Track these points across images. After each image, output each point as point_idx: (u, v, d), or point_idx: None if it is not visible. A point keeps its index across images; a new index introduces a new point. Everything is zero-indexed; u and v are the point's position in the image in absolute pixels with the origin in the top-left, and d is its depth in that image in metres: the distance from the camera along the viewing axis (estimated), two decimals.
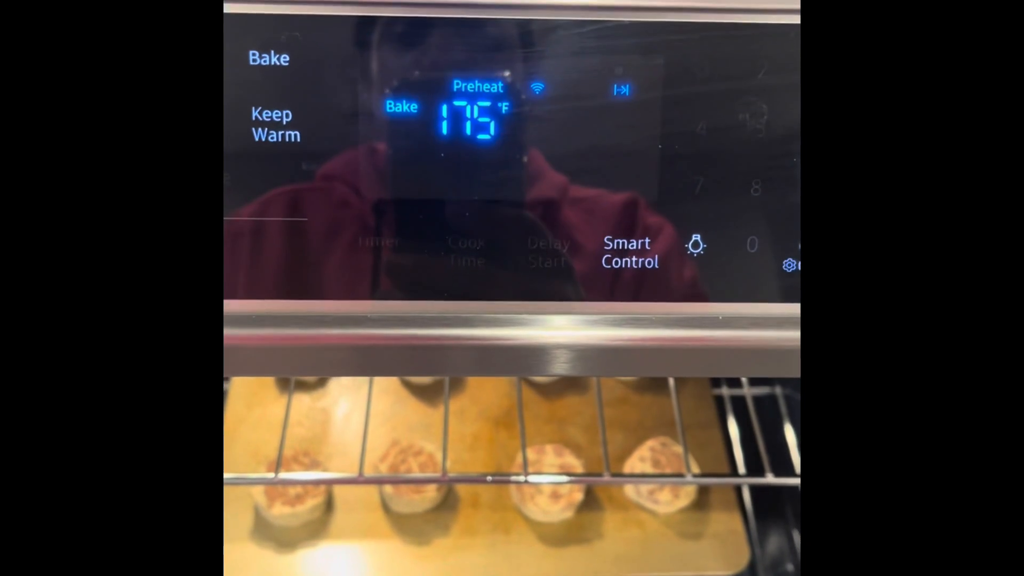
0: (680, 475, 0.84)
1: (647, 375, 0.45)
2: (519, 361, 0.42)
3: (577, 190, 0.40)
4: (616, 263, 0.40)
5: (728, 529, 0.93)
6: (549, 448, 0.95)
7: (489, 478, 0.84)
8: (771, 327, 0.41)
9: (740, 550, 0.92)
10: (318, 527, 0.92)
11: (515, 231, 0.40)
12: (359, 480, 0.81)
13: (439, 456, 0.94)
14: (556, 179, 0.39)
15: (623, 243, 0.40)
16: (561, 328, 0.41)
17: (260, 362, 0.41)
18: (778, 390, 1.02)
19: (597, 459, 0.96)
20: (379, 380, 1.03)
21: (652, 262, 0.40)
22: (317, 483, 0.90)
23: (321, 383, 1.03)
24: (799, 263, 0.40)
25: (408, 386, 1.03)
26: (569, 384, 1.04)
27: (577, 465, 0.94)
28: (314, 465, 0.93)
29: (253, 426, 0.98)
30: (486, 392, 1.03)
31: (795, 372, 0.40)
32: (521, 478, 0.82)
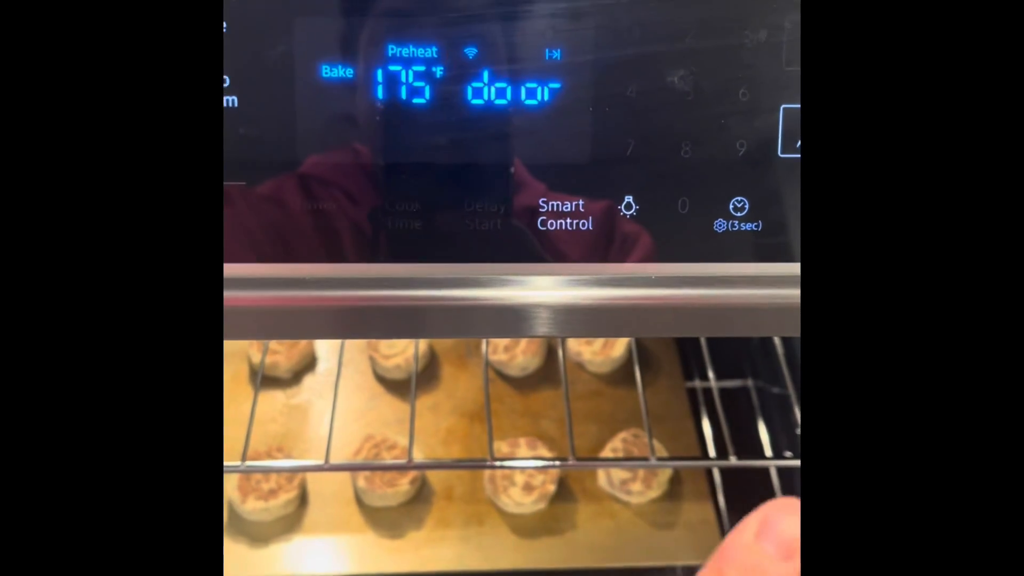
0: (644, 459, 0.85)
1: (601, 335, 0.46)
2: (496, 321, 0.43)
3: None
4: (552, 224, 0.41)
5: (700, 519, 0.94)
6: (522, 441, 0.96)
7: (455, 463, 0.85)
8: (703, 286, 0.41)
9: (712, 539, 0.92)
10: (292, 521, 0.92)
11: (457, 191, 0.41)
12: (325, 467, 0.81)
13: (413, 450, 0.94)
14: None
15: (558, 205, 0.41)
16: (517, 288, 0.42)
17: (232, 325, 0.42)
18: (750, 383, 1.03)
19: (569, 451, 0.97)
20: (354, 376, 1.03)
21: (587, 223, 0.41)
22: (283, 471, 0.91)
23: (295, 380, 1.03)
24: (730, 223, 0.41)
25: (383, 382, 1.03)
26: (543, 378, 1.04)
27: (549, 457, 0.94)
28: (287, 459, 0.94)
29: (226, 424, 0.98)
30: (460, 387, 1.03)
31: (729, 331, 0.41)
32: (488, 462, 0.82)
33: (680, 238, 0.41)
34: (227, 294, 0.41)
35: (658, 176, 0.41)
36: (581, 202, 0.41)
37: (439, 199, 0.41)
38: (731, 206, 0.41)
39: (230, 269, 0.41)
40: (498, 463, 0.83)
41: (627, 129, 0.40)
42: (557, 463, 0.90)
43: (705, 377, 1.04)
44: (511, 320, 0.43)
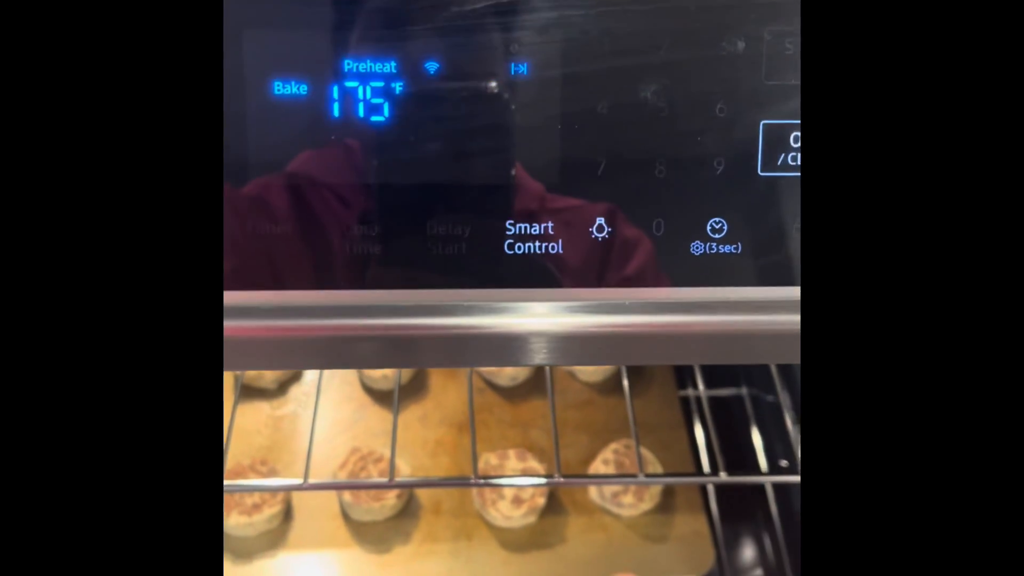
0: (633, 475, 0.83)
1: (595, 363, 0.44)
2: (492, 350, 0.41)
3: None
4: (519, 248, 0.39)
5: (693, 531, 0.92)
6: (512, 452, 0.94)
7: (439, 481, 0.83)
8: (676, 312, 0.40)
9: (705, 552, 0.90)
10: (276, 536, 0.90)
11: (409, 216, 0.39)
12: (304, 487, 0.80)
13: (400, 463, 0.92)
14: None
15: (525, 227, 0.39)
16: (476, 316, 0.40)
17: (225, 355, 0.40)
18: (744, 391, 1.01)
19: (561, 463, 0.95)
20: (341, 387, 1.01)
21: (556, 247, 0.39)
22: (261, 490, 0.89)
23: (281, 391, 1.01)
24: (707, 246, 0.39)
25: (370, 393, 1.02)
26: (533, 388, 1.02)
27: (540, 469, 0.93)
28: (272, 473, 0.92)
29: None
30: (449, 398, 1.01)
31: (705, 359, 0.39)
32: (472, 480, 0.80)
33: (655, 261, 0.39)
34: (229, 323, 0.40)
35: (631, 196, 0.39)
36: (550, 224, 0.39)
37: (401, 222, 0.39)
38: (709, 227, 0.39)
39: (231, 297, 0.39)
40: (483, 481, 0.80)
41: (598, 147, 0.38)
42: (543, 481, 0.88)
43: (698, 385, 1.02)
44: (496, 349, 0.41)
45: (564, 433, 0.96)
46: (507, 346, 0.41)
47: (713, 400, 0.98)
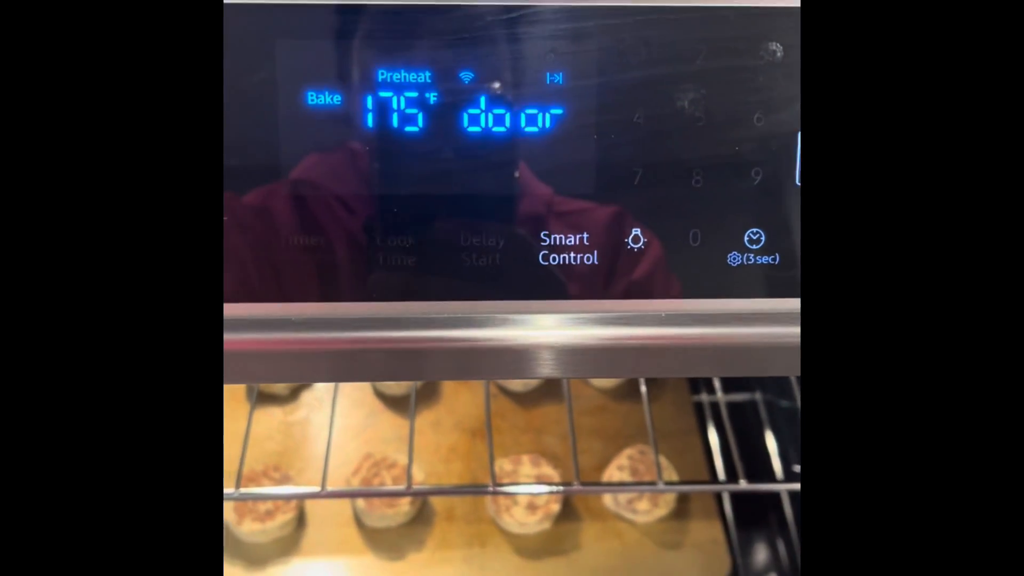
0: (652, 483, 0.82)
1: (609, 376, 0.44)
2: (501, 363, 0.40)
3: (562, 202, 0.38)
4: (553, 259, 0.39)
5: (709, 538, 0.91)
6: (526, 458, 0.93)
7: (455, 489, 0.82)
8: (716, 324, 0.39)
9: (721, 559, 0.90)
10: (289, 543, 0.90)
11: (441, 227, 0.38)
12: (322, 495, 0.79)
13: (413, 469, 0.92)
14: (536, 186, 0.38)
15: (560, 239, 0.38)
16: (505, 327, 0.40)
17: (231, 368, 0.39)
18: (758, 396, 1.00)
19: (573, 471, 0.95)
20: (352, 392, 1.01)
21: (592, 258, 0.38)
22: (278, 498, 0.88)
23: (292, 396, 1.01)
24: (744, 257, 0.39)
25: (382, 398, 1.01)
26: (546, 393, 1.02)
27: (554, 475, 0.92)
28: (284, 479, 0.91)
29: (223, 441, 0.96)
30: (462, 403, 1.01)
31: (743, 371, 0.39)
32: (489, 488, 0.80)
33: (692, 273, 0.39)
34: (234, 336, 0.39)
35: (668, 207, 0.38)
36: (586, 235, 0.38)
37: (434, 233, 0.38)
38: (746, 238, 0.39)
39: (237, 309, 0.39)
40: (500, 488, 0.80)
41: (634, 157, 0.38)
42: (561, 488, 0.87)
43: (712, 391, 1.02)
44: (513, 361, 0.40)
45: (578, 439, 0.96)
46: (515, 359, 0.41)
47: (727, 406, 0.98)
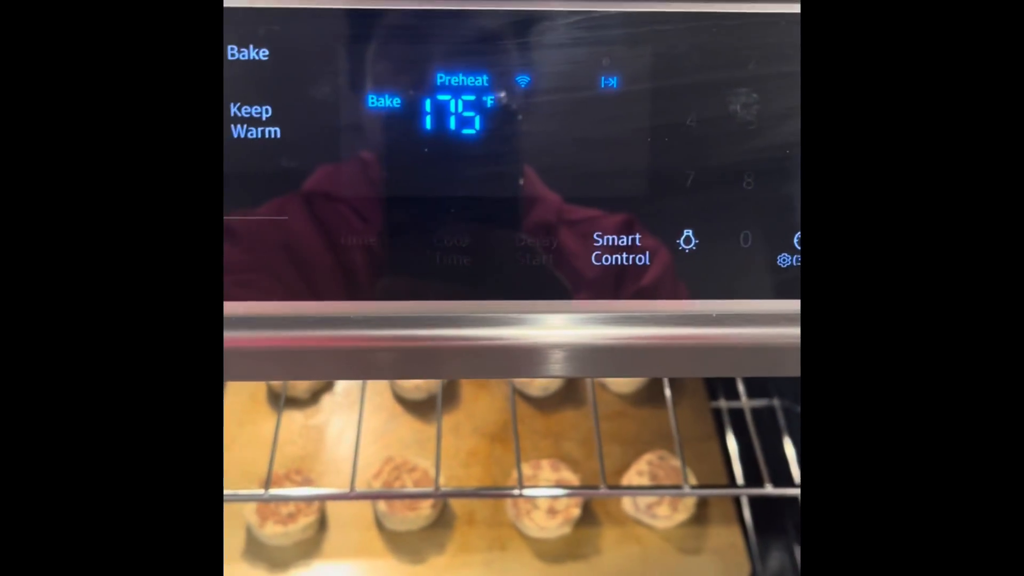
0: (678, 487, 0.83)
1: (640, 375, 0.44)
2: (514, 362, 0.41)
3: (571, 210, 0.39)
4: (606, 260, 0.39)
5: (728, 543, 0.92)
6: (545, 463, 0.94)
7: (483, 491, 0.83)
8: (766, 324, 0.40)
9: (740, 564, 0.90)
10: (311, 546, 0.90)
11: (504, 228, 0.39)
12: (351, 495, 0.80)
13: (433, 472, 0.92)
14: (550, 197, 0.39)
15: (614, 239, 0.39)
16: (555, 327, 0.40)
17: (247, 366, 0.40)
18: (776, 402, 1.01)
19: (594, 473, 0.95)
20: (372, 396, 1.01)
21: (643, 258, 0.39)
22: (308, 499, 0.89)
23: (313, 400, 1.02)
24: (794, 258, 0.39)
25: (402, 402, 1.02)
26: (565, 398, 1.02)
27: (574, 480, 0.93)
28: (306, 483, 0.92)
29: (245, 444, 0.97)
30: (481, 407, 1.02)
31: (791, 371, 0.39)
32: (516, 491, 0.80)
33: (742, 274, 0.39)
34: (244, 333, 0.40)
35: (719, 209, 0.39)
36: (637, 237, 0.39)
37: (488, 234, 0.39)
38: (796, 240, 0.39)
39: (256, 307, 0.40)
40: (527, 492, 0.80)
41: (687, 160, 0.38)
42: (587, 491, 0.88)
43: (730, 397, 1.02)
44: (538, 361, 0.41)
45: (596, 444, 0.96)
46: (526, 358, 0.42)
47: (746, 411, 0.98)
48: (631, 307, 0.40)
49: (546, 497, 0.89)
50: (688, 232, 0.39)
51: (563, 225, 0.39)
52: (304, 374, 0.42)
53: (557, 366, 0.41)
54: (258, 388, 1.02)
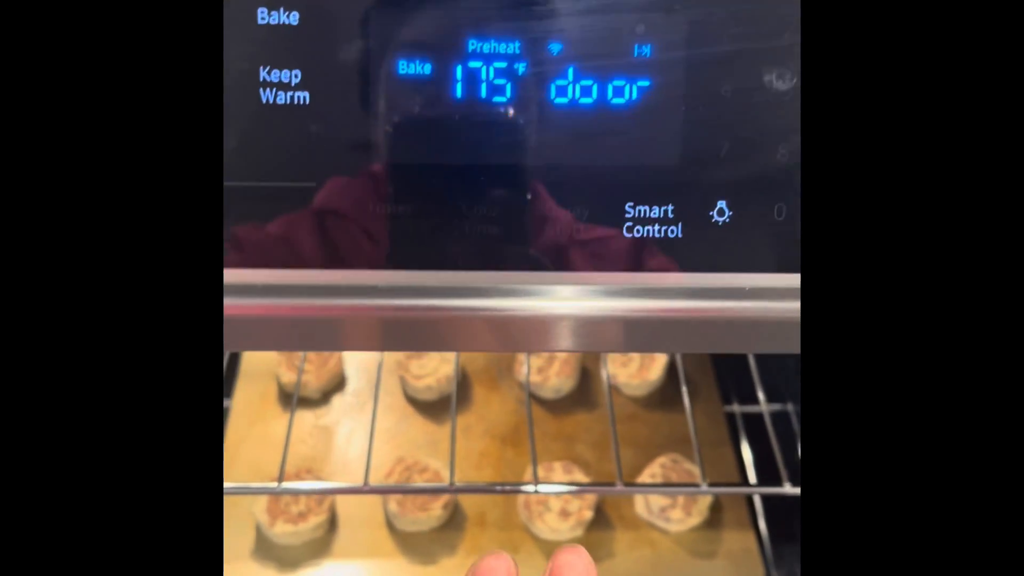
0: (695, 484, 0.82)
1: (663, 350, 0.43)
2: (531, 334, 0.40)
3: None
4: (637, 231, 0.39)
5: (742, 548, 0.91)
6: (558, 465, 0.93)
7: (498, 487, 0.82)
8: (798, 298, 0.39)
9: (754, 569, 0.89)
10: (321, 546, 0.89)
11: (534, 198, 0.38)
12: (364, 489, 0.79)
13: (445, 473, 0.92)
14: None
15: (645, 211, 0.38)
16: (570, 299, 0.40)
17: (263, 335, 0.39)
18: (790, 407, 1.00)
19: (606, 475, 0.94)
20: (384, 397, 1.00)
21: (675, 230, 0.39)
22: (321, 492, 0.88)
23: (324, 400, 1.01)
24: None
25: (413, 403, 1.01)
26: (576, 401, 1.01)
27: (586, 481, 0.92)
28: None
29: (255, 444, 0.96)
30: (493, 410, 1.01)
31: None
32: (531, 487, 0.79)
33: (776, 246, 0.39)
34: (258, 301, 0.39)
35: (754, 180, 0.38)
36: (670, 208, 0.38)
37: (516, 203, 0.38)
38: None
39: (270, 275, 0.39)
40: (543, 488, 0.79)
41: (721, 130, 0.38)
42: (603, 488, 0.87)
43: (743, 401, 1.02)
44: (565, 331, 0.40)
45: (609, 447, 0.96)
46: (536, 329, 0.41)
47: (758, 416, 0.97)
48: (659, 280, 0.39)
49: (562, 493, 0.89)
50: (721, 204, 0.38)
51: (593, 196, 0.38)
52: (322, 344, 0.42)
53: (576, 339, 0.40)
54: (268, 388, 1.01)
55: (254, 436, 0.97)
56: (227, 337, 0.38)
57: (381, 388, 1.00)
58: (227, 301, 0.38)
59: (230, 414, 0.99)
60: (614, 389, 1.03)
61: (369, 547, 0.89)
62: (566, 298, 0.40)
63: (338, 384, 1.02)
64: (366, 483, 0.78)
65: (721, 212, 0.39)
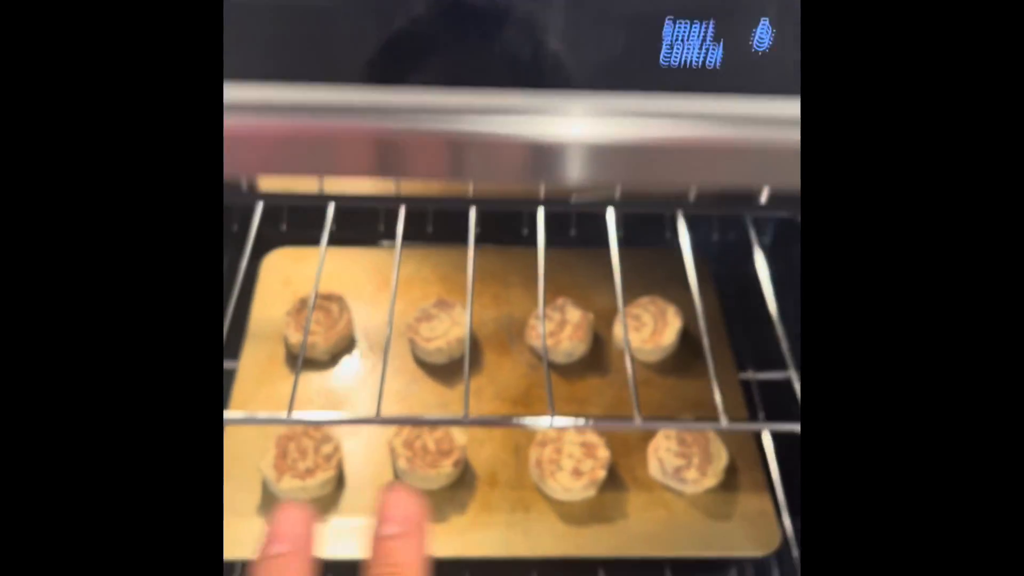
0: (715, 420, 0.79)
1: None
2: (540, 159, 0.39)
3: None
4: (675, 58, 0.38)
5: (758, 510, 0.89)
6: (571, 428, 0.91)
7: (514, 420, 0.80)
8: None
9: (771, 532, 0.87)
10: (328, 503, 0.88)
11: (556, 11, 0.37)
12: (375, 420, 0.77)
13: (455, 432, 0.90)
14: None
15: (685, 30, 0.37)
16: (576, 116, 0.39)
17: (265, 156, 0.38)
18: None
19: (619, 439, 0.93)
20: (392, 361, 0.98)
21: (715, 57, 0.37)
22: (331, 423, 0.89)
23: (332, 362, 0.99)
24: None
25: (423, 366, 0.99)
26: (589, 365, 1.00)
27: (599, 444, 0.90)
28: (325, 440, 0.89)
29: (262, 405, 0.94)
30: (503, 373, 0.99)
31: None
32: (547, 419, 0.77)
33: None
34: (249, 119, 0.38)
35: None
36: (711, 25, 0.37)
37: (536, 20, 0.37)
38: None
39: (255, 92, 0.38)
40: (558, 421, 0.77)
41: None
42: (621, 423, 0.88)
43: (758, 368, 1.00)
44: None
45: (622, 411, 0.94)
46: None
47: (772, 384, 0.96)
48: (699, 106, 0.38)
49: (578, 427, 0.89)
50: (765, 22, 0.37)
51: (622, 16, 0.37)
52: (327, 168, 0.40)
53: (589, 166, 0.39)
54: (276, 349, 1.00)
55: (261, 397, 0.95)
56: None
57: (391, 351, 0.98)
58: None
59: (236, 376, 0.97)
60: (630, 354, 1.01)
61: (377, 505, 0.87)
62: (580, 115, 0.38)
63: (347, 346, 1.01)
64: (378, 414, 0.76)
65: (766, 30, 0.37)
